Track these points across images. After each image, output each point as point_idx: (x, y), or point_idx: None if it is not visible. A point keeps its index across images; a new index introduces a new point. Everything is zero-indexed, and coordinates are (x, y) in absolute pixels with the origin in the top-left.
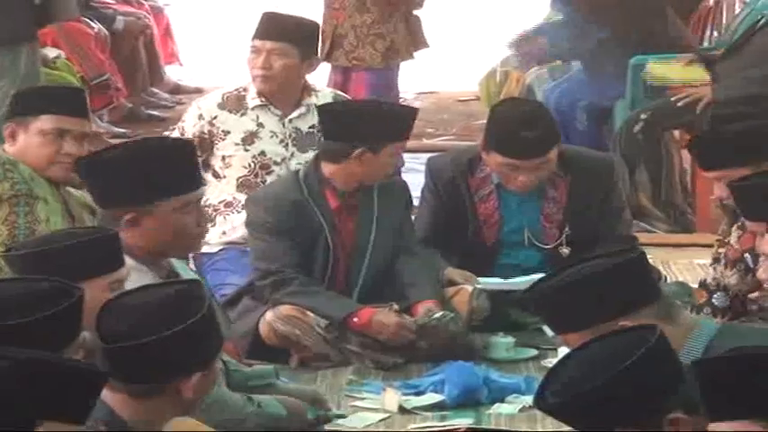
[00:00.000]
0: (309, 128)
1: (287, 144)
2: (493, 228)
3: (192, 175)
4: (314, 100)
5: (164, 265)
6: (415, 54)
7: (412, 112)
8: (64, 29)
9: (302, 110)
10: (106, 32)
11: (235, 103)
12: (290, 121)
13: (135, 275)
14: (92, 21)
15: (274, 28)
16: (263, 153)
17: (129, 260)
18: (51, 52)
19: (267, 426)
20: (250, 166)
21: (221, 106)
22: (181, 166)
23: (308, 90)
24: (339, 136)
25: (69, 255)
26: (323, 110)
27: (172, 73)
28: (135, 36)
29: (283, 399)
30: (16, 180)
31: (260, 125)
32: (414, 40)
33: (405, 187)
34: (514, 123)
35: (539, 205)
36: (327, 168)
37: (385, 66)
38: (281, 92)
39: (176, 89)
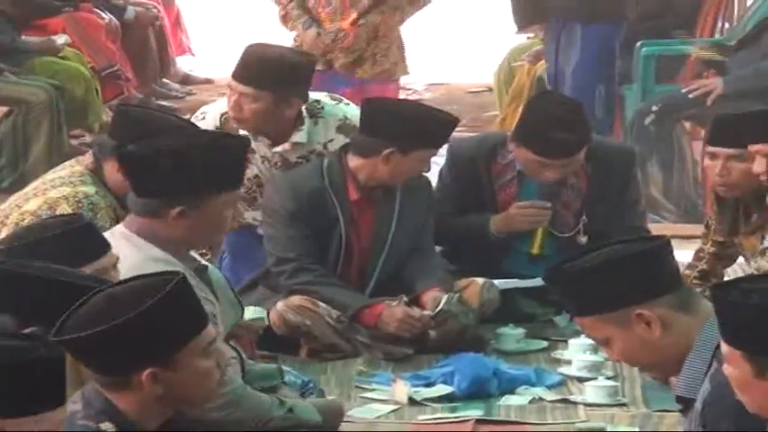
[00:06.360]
0: (298, 158)
1: (278, 168)
2: None
3: (241, 171)
4: (302, 137)
5: (190, 257)
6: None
7: (452, 123)
8: (74, 19)
9: (286, 146)
10: (117, 23)
11: (231, 126)
12: (276, 153)
13: (165, 267)
14: (103, 11)
15: (247, 71)
16: (257, 176)
17: (158, 252)
18: (59, 38)
19: (297, 429)
20: (246, 185)
21: (218, 129)
22: (234, 161)
23: (300, 121)
24: (372, 132)
25: (45, 248)
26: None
27: (182, 64)
28: (145, 26)
29: (323, 403)
30: None
31: (251, 150)
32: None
33: (429, 187)
34: (548, 123)
35: (558, 192)
36: (353, 161)
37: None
38: (258, 131)
39: (186, 80)
